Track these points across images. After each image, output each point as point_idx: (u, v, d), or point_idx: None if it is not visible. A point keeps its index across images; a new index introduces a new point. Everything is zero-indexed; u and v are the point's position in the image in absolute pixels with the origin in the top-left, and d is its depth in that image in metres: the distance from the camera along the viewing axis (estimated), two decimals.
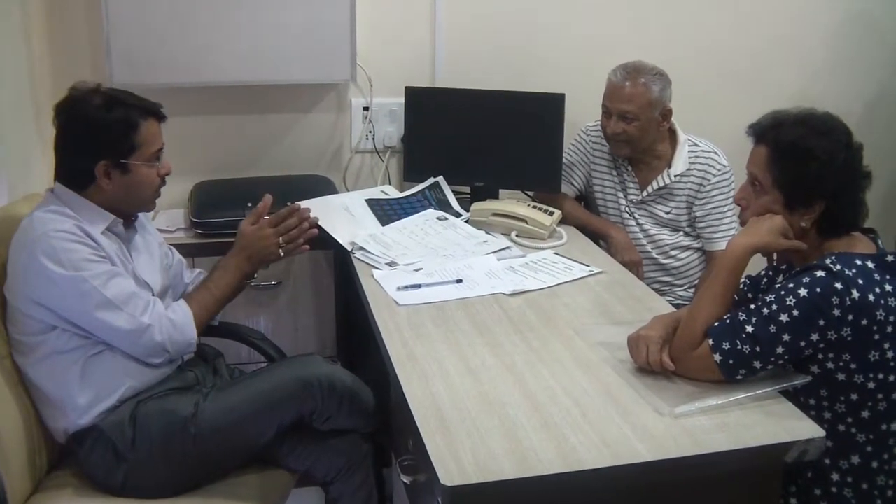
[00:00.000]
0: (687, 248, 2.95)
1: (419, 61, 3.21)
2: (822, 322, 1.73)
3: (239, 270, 2.30)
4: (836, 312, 1.72)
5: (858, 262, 1.77)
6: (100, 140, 2.07)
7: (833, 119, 1.89)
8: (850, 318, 1.72)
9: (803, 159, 1.82)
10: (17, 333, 2.05)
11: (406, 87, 3.09)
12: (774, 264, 2.01)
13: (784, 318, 1.74)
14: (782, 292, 1.77)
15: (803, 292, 1.74)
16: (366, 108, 3.20)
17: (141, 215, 2.28)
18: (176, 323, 2.11)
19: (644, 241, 2.95)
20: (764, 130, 1.91)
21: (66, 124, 2.09)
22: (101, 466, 2.05)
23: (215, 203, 2.86)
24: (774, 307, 1.75)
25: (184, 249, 2.61)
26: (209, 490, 2.09)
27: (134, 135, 2.08)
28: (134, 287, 2.07)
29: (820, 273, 1.74)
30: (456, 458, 1.58)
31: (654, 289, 2.61)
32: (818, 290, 1.73)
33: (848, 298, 1.71)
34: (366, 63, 3.07)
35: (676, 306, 2.55)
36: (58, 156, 2.12)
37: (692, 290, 2.96)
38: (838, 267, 1.74)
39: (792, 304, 1.74)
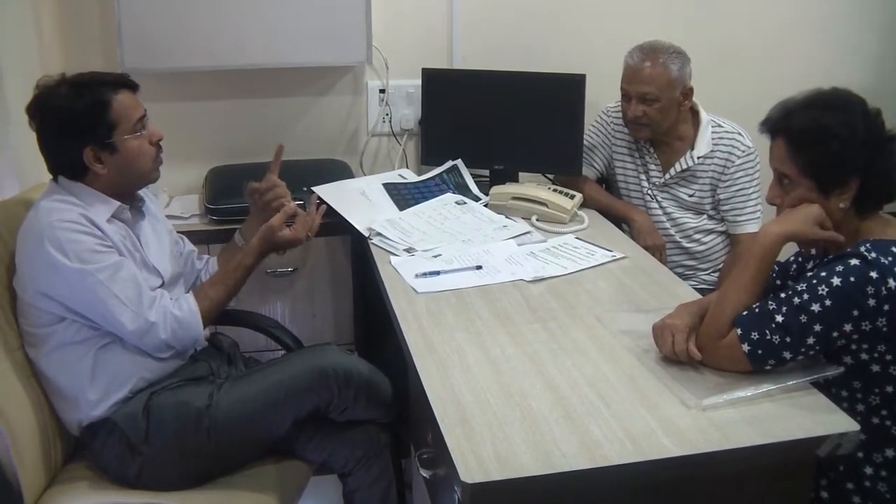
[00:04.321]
0: (711, 231, 2.90)
1: (436, 42, 3.16)
2: (856, 312, 1.67)
3: (256, 267, 2.28)
4: (871, 302, 1.66)
5: (895, 249, 1.71)
6: (77, 129, 2.03)
7: (842, 92, 1.82)
8: (886, 307, 1.67)
9: (824, 140, 1.75)
10: (28, 325, 2.03)
11: (423, 69, 3.04)
12: (812, 254, 1.94)
13: (816, 307, 1.68)
14: (814, 281, 1.71)
15: (836, 281, 1.68)
16: (382, 91, 3.16)
17: (149, 202, 2.26)
18: (181, 320, 2.07)
19: (667, 225, 2.89)
20: (776, 123, 1.84)
21: (42, 123, 2.06)
22: (116, 459, 2.03)
23: (230, 189, 2.81)
24: (806, 296, 1.70)
25: (198, 236, 2.59)
26: (226, 482, 2.07)
27: (108, 113, 2.04)
28: (140, 281, 2.04)
29: (854, 261, 1.68)
30: (476, 453, 1.54)
31: (677, 273, 2.57)
32: (852, 279, 1.67)
33: (884, 288, 1.66)
34: (382, 45, 3.03)
35: (701, 291, 2.51)
36: (45, 154, 2.10)
37: (716, 275, 2.91)
38: (873, 255, 1.68)
39: (824, 293, 1.68)
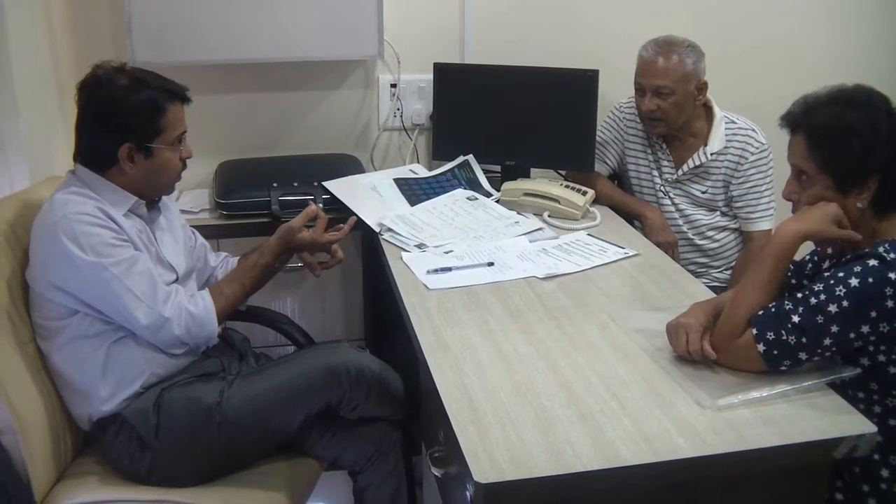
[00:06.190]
0: (724, 228, 2.88)
1: (448, 37, 3.14)
2: (873, 314, 1.65)
3: (272, 266, 2.26)
4: (890, 304, 1.64)
5: None
6: (125, 122, 2.02)
7: (866, 90, 1.79)
8: None
9: (845, 138, 1.73)
10: (40, 318, 2.01)
11: (435, 64, 3.02)
12: (829, 253, 1.92)
13: (833, 308, 1.66)
14: (831, 281, 1.68)
15: (854, 282, 1.65)
16: (393, 85, 3.14)
17: (165, 197, 2.24)
18: (195, 317, 2.06)
19: (680, 222, 2.87)
20: (796, 118, 1.81)
21: (90, 104, 2.03)
22: (126, 454, 2.02)
23: (240, 183, 2.81)
24: (823, 297, 1.68)
25: (208, 231, 2.57)
26: (236, 478, 2.06)
27: (160, 118, 2.04)
28: (155, 275, 2.02)
29: (872, 262, 1.66)
30: (489, 452, 1.53)
31: (689, 270, 2.55)
32: (870, 280, 1.64)
33: None
34: (393, 39, 3.01)
35: (713, 288, 2.50)
36: (79, 136, 2.07)
37: (729, 272, 2.89)
38: (892, 255, 1.66)
39: (842, 294, 1.66)
